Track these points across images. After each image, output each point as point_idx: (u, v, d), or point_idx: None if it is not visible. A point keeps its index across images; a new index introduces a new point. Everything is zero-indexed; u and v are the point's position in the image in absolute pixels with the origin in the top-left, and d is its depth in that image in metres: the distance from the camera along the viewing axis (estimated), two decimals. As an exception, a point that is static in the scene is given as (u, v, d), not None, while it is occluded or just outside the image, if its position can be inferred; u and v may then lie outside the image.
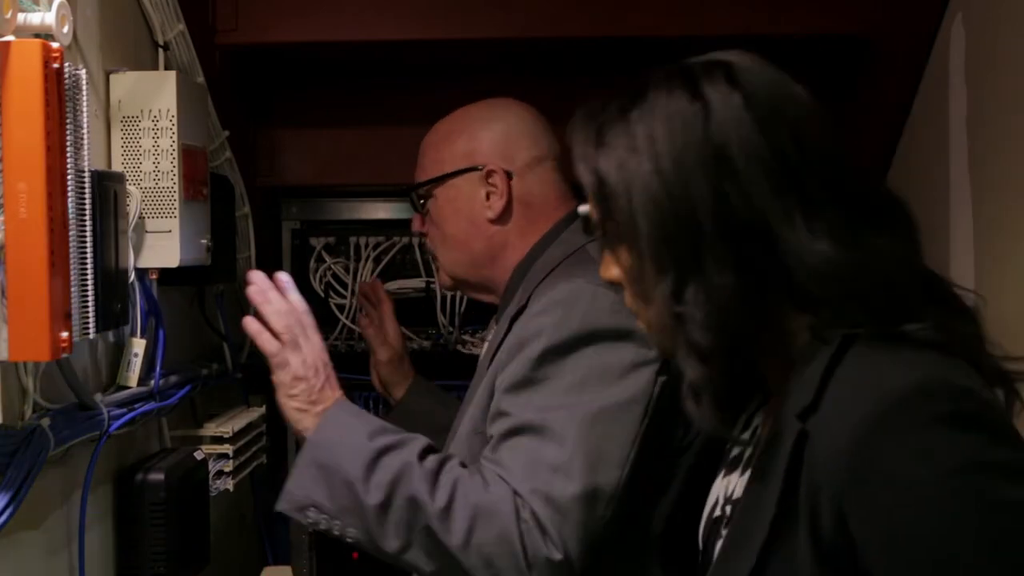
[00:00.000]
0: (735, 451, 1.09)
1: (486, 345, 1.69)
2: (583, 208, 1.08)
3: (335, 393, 1.42)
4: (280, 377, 1.41)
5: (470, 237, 1.57)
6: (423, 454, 1.33)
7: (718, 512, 1.07)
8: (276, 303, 1.43)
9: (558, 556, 1.25)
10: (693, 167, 0.94)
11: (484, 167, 1.56)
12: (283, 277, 1.47)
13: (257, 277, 1.45)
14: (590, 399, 1.31)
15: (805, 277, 0.92)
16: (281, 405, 1.42)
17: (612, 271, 1.05)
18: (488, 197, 1.56)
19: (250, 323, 1.44)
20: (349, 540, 1.33)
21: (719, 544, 1.03)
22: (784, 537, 0.89)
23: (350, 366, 2.15)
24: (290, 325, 1.42)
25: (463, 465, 1.34)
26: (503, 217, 1.57)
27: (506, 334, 1.46)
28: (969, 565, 0.81)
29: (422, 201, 1.62)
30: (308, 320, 1.45)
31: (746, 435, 1.09)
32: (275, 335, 1.42)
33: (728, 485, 1.07)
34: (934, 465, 0.82)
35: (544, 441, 1.30)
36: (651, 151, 0.96)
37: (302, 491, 1.34)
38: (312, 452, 1.35)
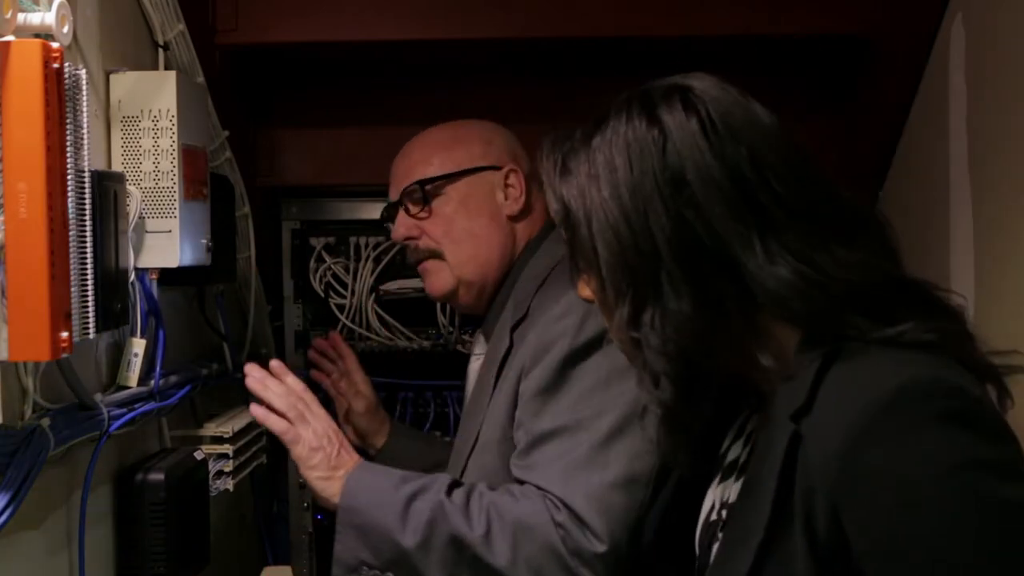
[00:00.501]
0: (731, 457, 1.09)
1: (476, 360, 1.69)
2: None
3: (353, 456, 1.49)
4: (297, 452, 1.49)
5: (491, 232, 1.61)
6: (450, 490, 1.38)
7: (714, 516, 1.07)
8: (275, 387, 1.52)
9: (602, 548, 1.28)
10: (650, 194, 0.95)
11: (504, 167, 1.62)
12: (275, 363, 1.57)
13: (252, 368, 1.55)
14: (615, 394, 1.34)
15: (766, 300, 0.93)
16: (306, 479, 1.49)
17: (585, 291, 1.08)
18: (506, 196, 1.61)
19: (255, 409, 1.53)
20: None
21: (715, 547, 1.03)
22: (780, 539, 0.89)
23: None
24: (292, 403, 1.51)
25: (491, 488, 1.38)
26: (519, 217, 1.62)
27: (511, 345, 1.48)
28: (967, 564, 0.81)
29: (423, 199, 1.62)
30: (309, 396, 1.53)
31: (739, 441, 1.09)
32: (281, 416, 1.50)
33: (724, 490, 1.07)
34: (929, 464, 0.83)
35: (575, 439, 1.34)
36: (610, 179, 0.97)
37: (349, 554, 1.40)
38: (347, 517, 1.41)
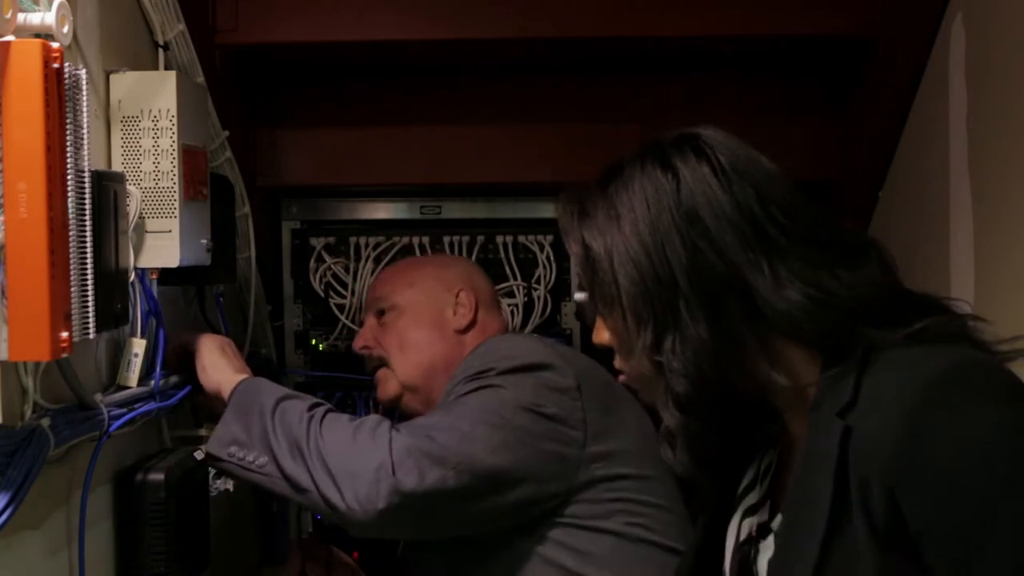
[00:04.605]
0: (751, 500, 1.14)
1: None
2: (578, 296, 1.20)
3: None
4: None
5: (435, 341, 1.76)
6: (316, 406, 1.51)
7: (744, 535, 1.11)
8: None
9: (409, 487, 1.37)
10: (668, 229, 1.04)
11: (454, 288, 1.79)
12: None
13: None
14: (484, 400, 1.50)
15: (778, 321, 1.00)
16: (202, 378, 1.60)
17: (603, 335, 1.15)
18: (455, 313, 1.77)
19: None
20: (261, 473, 1.48)
21: (761, 560, 1.07)
22: (841, 534, 0.93)
23: (350, 366, 2.15)
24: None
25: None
26: (466, 330, 1.77)
27: None
28: None
29: (382, 314, 1.81)
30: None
31: (756, 486, 1.14)
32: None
33: (752, 521, 1.11)
34: (984, 438, 0.87)
35: (440, 416, 1.50)
36: (630, 217, 1.07)
37: (226, 431, 1.51)
38: (236, 398, 1.53)
